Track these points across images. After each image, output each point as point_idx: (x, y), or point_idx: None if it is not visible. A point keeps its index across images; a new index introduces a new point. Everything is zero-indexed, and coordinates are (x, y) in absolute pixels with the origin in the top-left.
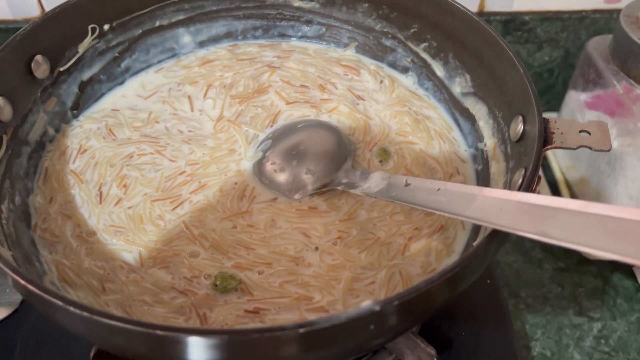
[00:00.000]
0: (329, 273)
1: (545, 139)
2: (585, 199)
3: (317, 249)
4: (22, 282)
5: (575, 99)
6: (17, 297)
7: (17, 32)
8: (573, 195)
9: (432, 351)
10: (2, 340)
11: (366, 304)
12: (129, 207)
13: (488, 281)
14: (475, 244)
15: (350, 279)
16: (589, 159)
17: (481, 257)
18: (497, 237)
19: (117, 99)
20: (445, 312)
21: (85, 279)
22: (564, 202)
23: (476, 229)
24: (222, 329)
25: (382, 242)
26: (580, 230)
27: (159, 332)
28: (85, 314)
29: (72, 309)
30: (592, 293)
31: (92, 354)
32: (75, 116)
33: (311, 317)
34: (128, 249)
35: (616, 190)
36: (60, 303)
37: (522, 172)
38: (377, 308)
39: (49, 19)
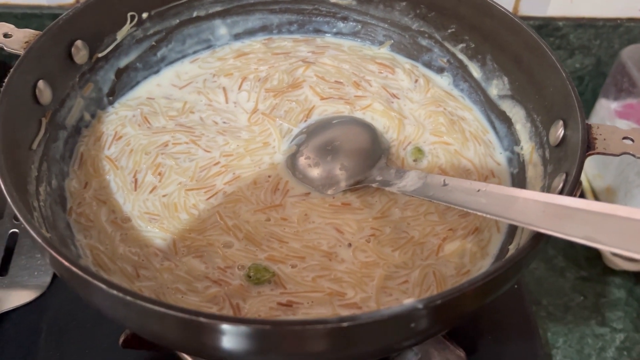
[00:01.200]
0: (362, 270)
1: (588, 145)
2: None
3: (350, 245)
4: (67, 263)
5: (606, 107)
6: (44, 281)
7: (59, 17)
8: None
9: (462, 353)
10: (29, 323)
11: (409, 301)
12: (164, 195)
13: (515, 286)
14: (521, 244)
15: (384, 277)
16: (617, 169)
17: (527, 258)
18: (542, 239)
19: (153, 88)
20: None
21: (119, 264)
22: (611, 208)
23: (511, 232)
24: (265, 319)
25: (416, 242)
26: (629, 236)
27: (202, 319)
28: (129, 298)
29: (116, 292)
30: (615, 304)
31: (121, 340)
32: (111, 103)
33: (344, 312)
34: (162, 236)
35: None
36: (104, 286)
37: (563, 177)
38: (421, 306)
39: (91, 5)
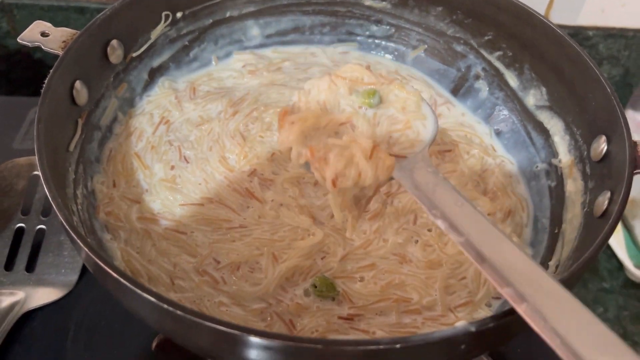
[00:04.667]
0: (426, 271)
1: (635, 164)
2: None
3: (417, 242)
4: (114, 274)
5: (633, 119)
6: (72, 279)
7: (96, 17)
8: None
9: None
10: (56, 322)
11: (461, 324)
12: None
13: None
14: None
15: (446, 276)
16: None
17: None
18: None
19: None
20: None
21: (154, 271)
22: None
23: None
24: (317, 339)
25: None
26: None
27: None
28: (179, 312)
29: (166, 306)
30: (636, 317)
31: (154, 345)
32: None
33: (406, 320)
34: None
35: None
36: (153, 300)
37: (608, 195)
38: (473, 329)
39: (127, 4)
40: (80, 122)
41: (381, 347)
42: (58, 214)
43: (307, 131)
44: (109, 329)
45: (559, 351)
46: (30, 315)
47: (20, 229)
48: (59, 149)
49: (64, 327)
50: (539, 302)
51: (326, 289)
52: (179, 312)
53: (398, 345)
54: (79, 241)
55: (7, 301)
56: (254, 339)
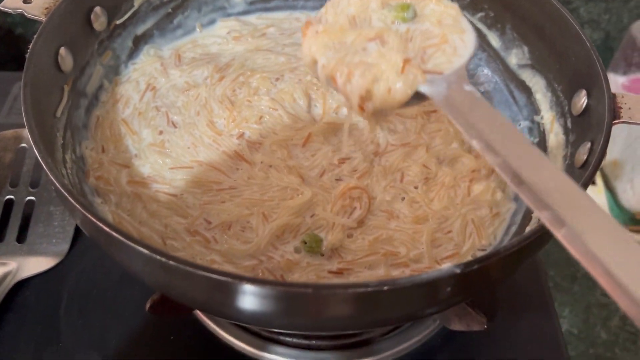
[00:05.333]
0: (413, 226)
1: (613, 114)
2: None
3: (403, 199)
4: (108, 230)
5: (614, 81)
6: (63, 248)
7: None
8: (604, 177)
9: (483, 319)
10: (49, 291)
11: (447, 266)
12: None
13: None
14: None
15: (432, 230)
16: (625, 142)
17: None
18: None
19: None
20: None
21: (145, 232)
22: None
23: None
24: (308, 283)
25: (448, 186)
26: None
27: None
28: (172, 263)
29: (159, 257)
30: None
31: (148, 306)
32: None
33: (395, 273)
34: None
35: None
36: (147, 252)
37: (588, 146)
38: (458, 271)
39: None
40: (66, 88)
41: (369, 289)
42: (49, 174)
43: (333, 44)
44: (102, 296)
45: (602, 280)
46: (23, 285)
47: (10, 201)
48: (46, 114)
49: (57, 295)
50: (579, 226)
51: (316, 245)
52: (171, 263)
53: (386, 287)
54: (71, 200)
55: None
56: (246, 286)
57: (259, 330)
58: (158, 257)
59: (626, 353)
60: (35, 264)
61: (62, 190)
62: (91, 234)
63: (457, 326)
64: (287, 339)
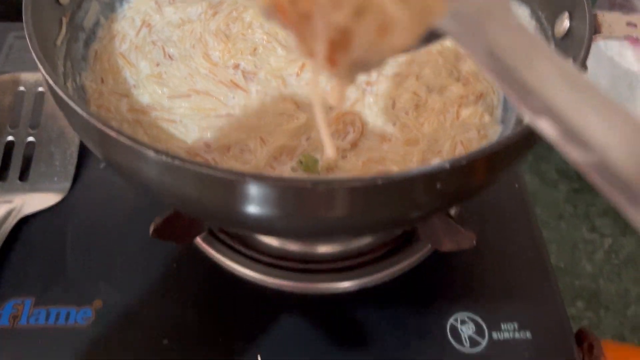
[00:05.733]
0: (404, 147)
1: (594, 29)
2: None
3: (395, 124)
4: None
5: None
6: (65, 185)
7: None
8: None
9: (472, 235)
10: (53, 227)
11: (437, 161)
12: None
13: (516, 185)
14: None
15: (423, 151)
16: (610, 82)
17: None
18: None
19: None
20: (474, 210)
21: None
22: None
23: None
24: (305, 178)
25: (438, 111)
26: None
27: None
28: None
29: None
30: (604, 212)
31: (151, 230)
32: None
33: None
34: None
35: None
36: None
37: (570, 61)
38: (448, 166)
39: None
40: (64, 20)
41: (365, 183)
42: (53, 86)
43: None
44: (106, 231)
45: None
46: (27, 221)
47: (10, 143)
48: (47, 40)
49: (62, 230)
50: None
51: (312, 165)
52: (176, 163)
53: (380, 182)
54: (71, 104)
55: (3, 208)
56: (252, 183)
57: (258, 256)
58: (164, 157)
59: (610, 283)
60: (38, 201)
61: (63, 96)
62: (95, 144)
63: (447, 246)
64: (286, 263)
